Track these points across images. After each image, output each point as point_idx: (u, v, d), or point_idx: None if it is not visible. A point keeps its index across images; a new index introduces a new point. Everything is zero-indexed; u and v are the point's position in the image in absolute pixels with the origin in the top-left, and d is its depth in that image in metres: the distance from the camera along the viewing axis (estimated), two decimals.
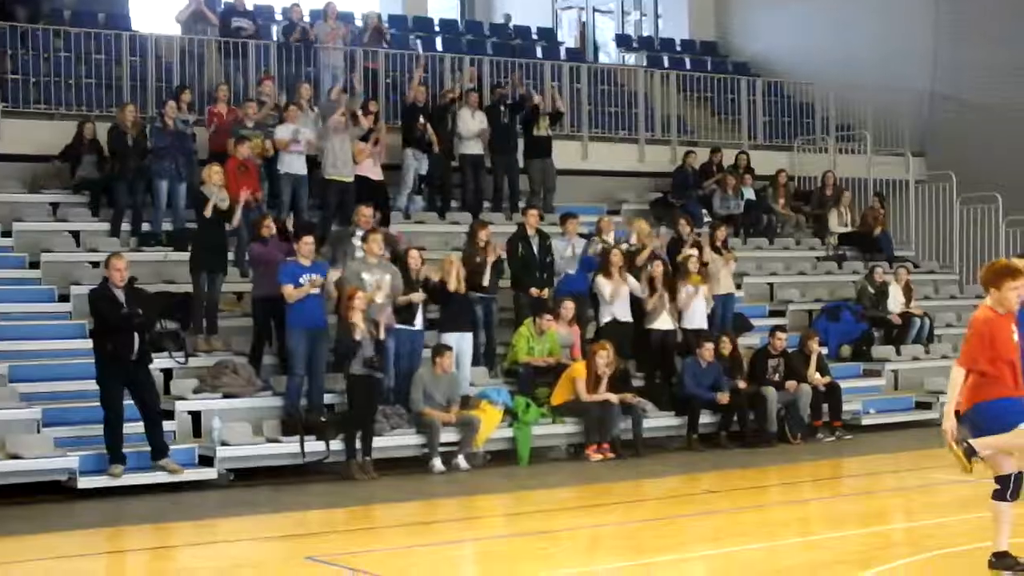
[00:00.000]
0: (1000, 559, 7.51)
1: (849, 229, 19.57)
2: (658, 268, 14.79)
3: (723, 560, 8.75)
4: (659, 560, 8.66)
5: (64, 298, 13.54)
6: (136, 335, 11.08)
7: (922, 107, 21.55)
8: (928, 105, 21.58)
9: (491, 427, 12.96)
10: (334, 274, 12.79)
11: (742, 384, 14.33)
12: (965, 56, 21.04)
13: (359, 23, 18.92)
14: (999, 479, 7.39)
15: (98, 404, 11.22)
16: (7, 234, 14.43)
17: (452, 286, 13.33)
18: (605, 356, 13.43)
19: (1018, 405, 7.37)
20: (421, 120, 16.37)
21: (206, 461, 11.73)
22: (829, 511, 11.06)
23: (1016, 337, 7.45)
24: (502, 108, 17.17)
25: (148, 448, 11.27)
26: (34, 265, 14.02)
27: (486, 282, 13.85)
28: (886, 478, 12.68)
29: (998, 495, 7.42)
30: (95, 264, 13.86)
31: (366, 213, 13.98)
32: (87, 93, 16.02)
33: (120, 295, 11.19)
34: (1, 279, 13.57)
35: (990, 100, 20.65)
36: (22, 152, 15.30)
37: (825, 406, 14.78)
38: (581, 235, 15.17)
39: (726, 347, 14.59)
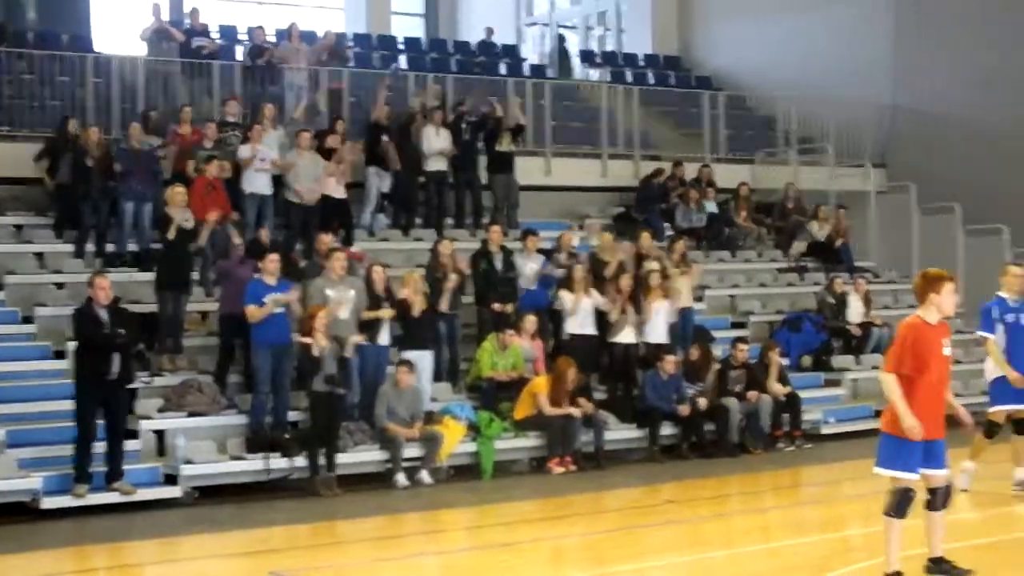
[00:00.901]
0: (936, 564, 7.61)
1: (826, 232, 19.53)
2: (625, 281, 14.91)
3: (685, 569, 8.89)
4: (620, 570, 8.77)
5: (28, 320, 13.54)
6: (118, 355, 11.14)
7: (883, 119, 21.69)
8: (889, 116, 21.72)
9: (454, 442, 13.04)
10: (295, 294, 12.80)
11: (697, 397, 14.36)
12: (925, 67, 21.20)
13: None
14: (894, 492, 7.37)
15: (62, 424, 11.28)
16: None
17: (416, 310, 13.39)
18: (573, 373, 13.55)
19: (905, 451, 7.28)
20: (385, 139, 16.48)
21: (171, 480, 11.77)
22: (790, 519, 11.21)
23: (948, 351, 7.41)
24: (464, 125, 17.24)
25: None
26: None
27: (444, 307, 13.84)
28: (845, 485, 12.80)
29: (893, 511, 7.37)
30: (59, 285, 13.92)
31: (326, 241, 14.08)
32: (51, 115, 16.03)
33: (103, 314, 11.25)
34: None
35: (950, 111, 20.79)
36: None
37: (785, 416, 14.90)
38: (541, 251, 15.28)
39: (693, 355, 14.82)
